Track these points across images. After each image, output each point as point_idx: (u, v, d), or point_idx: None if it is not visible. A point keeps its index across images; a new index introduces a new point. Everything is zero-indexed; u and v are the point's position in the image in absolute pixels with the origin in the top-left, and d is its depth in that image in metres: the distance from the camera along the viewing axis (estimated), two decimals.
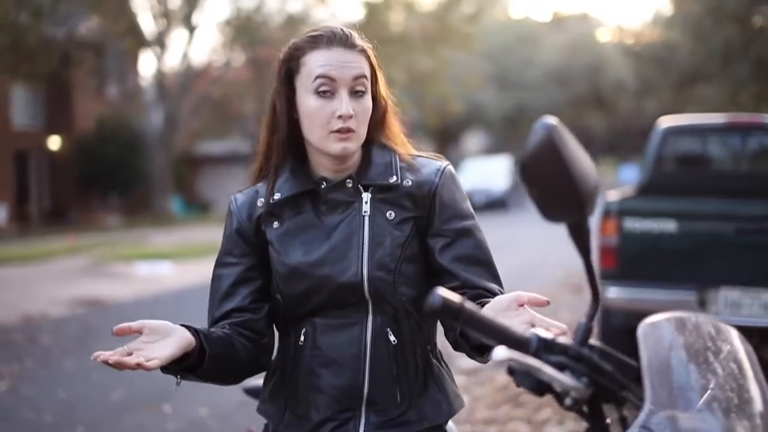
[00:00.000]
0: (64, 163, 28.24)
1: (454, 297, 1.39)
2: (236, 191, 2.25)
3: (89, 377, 7.34)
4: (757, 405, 1.49)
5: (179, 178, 28.56)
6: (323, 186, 2.12)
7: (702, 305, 5.96)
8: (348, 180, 2.11)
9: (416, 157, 2.19)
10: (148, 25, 24.69)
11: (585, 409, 1.50)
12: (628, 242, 6.16)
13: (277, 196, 2.12)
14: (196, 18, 22.45)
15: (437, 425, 2.17)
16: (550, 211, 1.39)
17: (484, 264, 2.13)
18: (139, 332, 1.89)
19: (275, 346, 2.26)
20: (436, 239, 2.11)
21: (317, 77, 2.04)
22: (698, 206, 6.26)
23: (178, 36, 24.89)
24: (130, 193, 26.78)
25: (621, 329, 6.52)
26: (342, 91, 2.04)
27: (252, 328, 2.16)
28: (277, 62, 2.14)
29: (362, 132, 2.08)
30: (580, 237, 1.40)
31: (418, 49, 23.54)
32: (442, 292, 1.38)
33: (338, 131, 2.03)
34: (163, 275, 14.43)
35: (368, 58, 2.10)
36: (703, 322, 1.59)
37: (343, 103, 2.02)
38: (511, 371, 1.46)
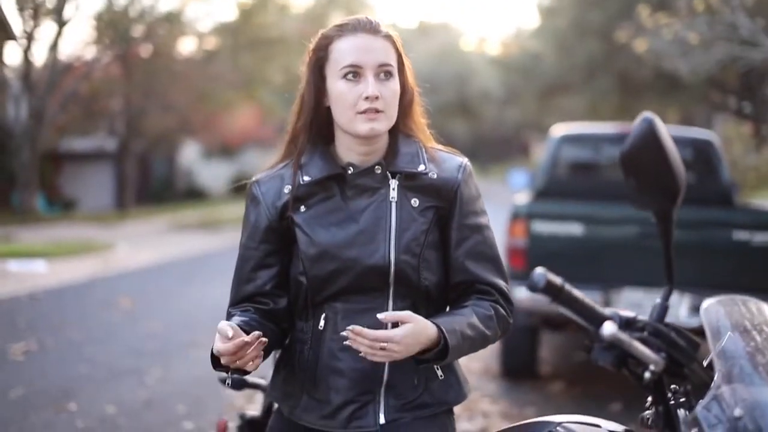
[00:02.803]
0: None
1: (556, 278, 1.49)
2: (257, 174, 2.31)
3: None
4: None
5: (42, 174, 27.71)
6: (350, 171, 2.19)
7: (606, 305, 6.23)
8: (377, 166, 2.19)
9: (437, 151, 2.29)
10: (14, 16, 23.95)
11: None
12: (535, 244, 6.39)
13: (306, 178, 2.19)
14: (68, 11, 21.79)
15: (449, 408, 2.28)
16: (643, 198, 1.51)
17: (493, 260, 2.26)
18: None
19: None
20: (453, 232, 2.22)
21: (345, 63, 2.13)
22: (603, 210, 6.54)
23: (47, 29, 24.05)
24: None
25: (524, 329, 6.75)
26: (368, 75, 2.13)
27: (275, 317, 2.24)
28: (307, 53, 2.22)
29: (391, 114, 2.17)
30: (666, 223, 1.53)
31: (294, 51, 23.53)
32: (545, 272, 1.48)
33: (365, 112, 2.11)
34: (37, 273, 14.02)
35: (394, 44, 2.19)
36: (746, 301, 1.75)
37: (369, 85, 2.11)
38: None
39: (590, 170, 8.31)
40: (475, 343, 2.16)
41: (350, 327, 1.97)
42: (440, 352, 2.07)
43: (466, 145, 60.20)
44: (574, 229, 6.39)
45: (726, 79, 26.68)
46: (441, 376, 2.22)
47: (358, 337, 1.97)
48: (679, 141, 8.09)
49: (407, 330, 2.01)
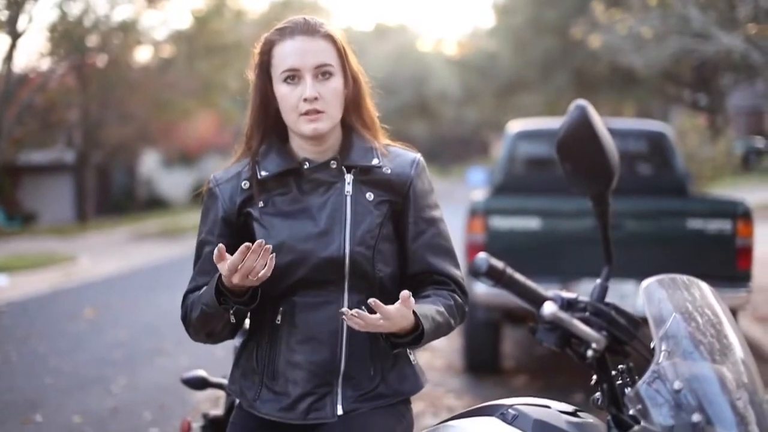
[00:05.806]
0: None
1: (498, 262, 1.55)
2: (215, 173, 2.36)
3: None
4: (737, 349, 1.71)
5: (1, 188, 27.49)
6: (306, 166, 2.25)
7: None
8: (332, 161, 2.26)
9: (389, 147, 2.35)
10: None
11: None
12: (494, 239, 6.45)
13: (264, 173, 2.25)
14: (21, 23, 21.60)
15: (406, 398, 2.33)
16: (579, 182, 1.57)
17: (449, 252, 2.34)
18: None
19: (245, 327, 2.39)
20: (409, 226, 2.28)
21: (284, 67, 2.20)
22: (560, 204, 6.63)
23: (0, 41, 23.75)
24: None
25: (486, 324, 6.82)
26: (307, 77, 2.20)
27: None
28: (252, 57, 2.27)
29: (333, 112, 2.23)
30: (601, 206, 1.59)
31: (250, 56, 23.47)
32: (488, 257, 1.53)
33: (306, 113, 2.18)
34: None
35: (335, 43, 2.25)
36: (688, 281, 1.81)
37: (307, 87, 2.18)
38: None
39: (547, 165, 8.41)
40: (441, 328, 2.21)
41: (352, 311, 1.99)
42: (416, 336, 2.12)
43: (425, 145, 60.42)
44: (532, 223, 6.47)
45: (680, 72, 27.04)
46: (411, 359, 2.33)
47: (359, 320, 2.00)
48: (633, 133, 8.24)
49: (396, 308, 2.03)
